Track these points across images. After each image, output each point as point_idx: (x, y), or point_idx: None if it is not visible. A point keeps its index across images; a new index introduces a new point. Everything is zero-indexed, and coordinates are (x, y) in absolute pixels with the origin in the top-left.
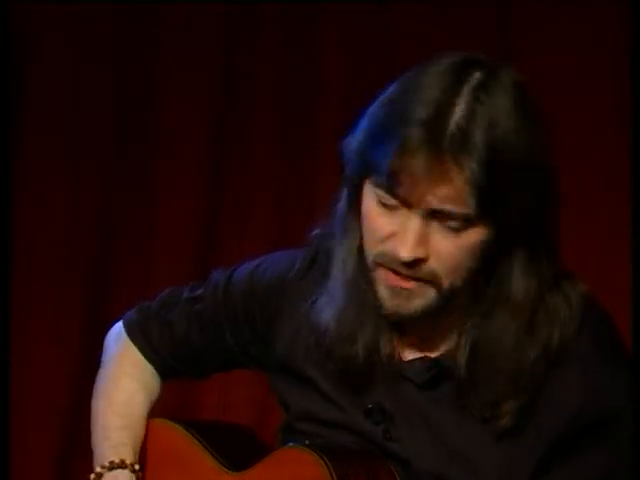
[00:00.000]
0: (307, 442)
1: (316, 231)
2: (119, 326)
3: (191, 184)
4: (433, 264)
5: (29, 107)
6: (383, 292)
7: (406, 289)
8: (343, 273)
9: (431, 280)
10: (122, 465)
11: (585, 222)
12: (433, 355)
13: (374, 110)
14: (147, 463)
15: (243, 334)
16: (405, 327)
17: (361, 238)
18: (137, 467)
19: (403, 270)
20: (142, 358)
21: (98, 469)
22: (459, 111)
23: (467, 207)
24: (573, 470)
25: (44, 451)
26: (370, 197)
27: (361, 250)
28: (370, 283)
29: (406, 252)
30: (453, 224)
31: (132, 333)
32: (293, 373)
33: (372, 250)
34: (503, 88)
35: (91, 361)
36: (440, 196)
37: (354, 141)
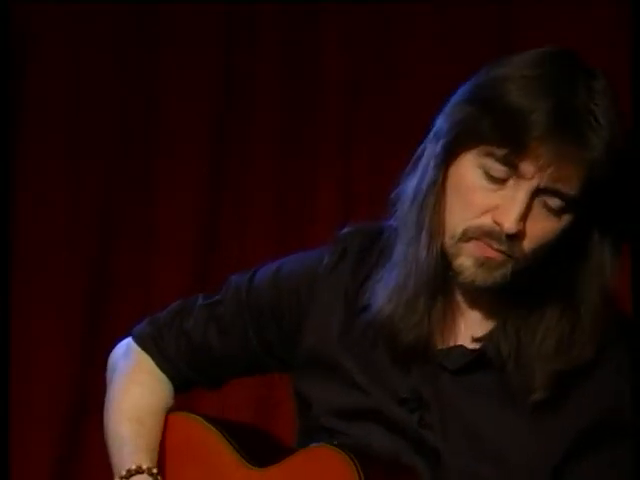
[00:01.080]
0: (336, 442)
1: (345, 229)
2: (127, 342)
3: (191, 184)
4: (525, 242)
5: (29, 107)
6: (466, 262)
7: (492, 259)
8: (415, 258)
9: (517, 256)
10: (140, 471)
11: None
12: (468, 343)
13: (483, 82)
14: (168, 457)
15: (269, 333)
16: (449, 314)
17: (437, 220)
18: (155, 471)
19: (496, 244)
20: (155, 368)
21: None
22: (582, 92)
23: (577, 190)
24: (597, 464)
25: (44, 451)
26: (472, 169)
27: (437, 232)
28: (448, 257)
29: (511, 224)
30: (557, 204)
31: (144, 345)
32: (322, 364)
33: (464, 223)
34: (601, 80)
35: (91, 361)
36: (557, 175)
37: (458, 111)
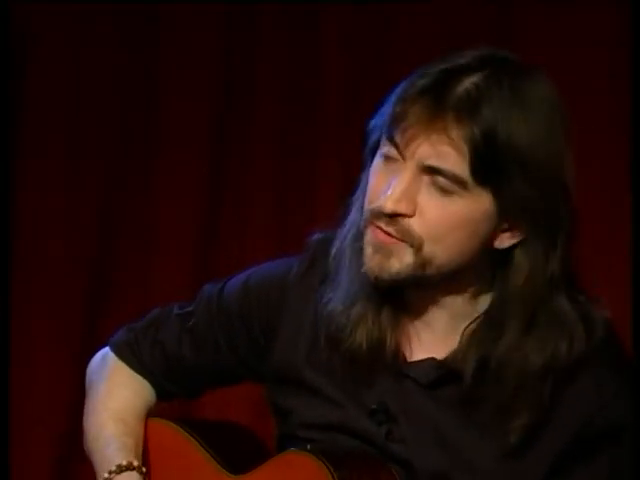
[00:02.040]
0: (309, 446)
1: (314, 236)
2: (103, 351)
3: (191, 184)
4: (415, 224)
5: (29, 107)
6: (367, 250)
7: (385, 245)
8: (356, 263)
9: (410, 241)
10: (130, 467)
11: (584, 222)
12: (438, 357)
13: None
14: (147, 464)
15: (240, 343)
16: (407, 326)
17: None
18: (144, 470)
19: (384, 225)
20: (134, 373)
21: (105, 475)
22: (476, 81)
23: (460, 168)
24: (578, 478)
25: (44, 451)
26: (377, 159)
27: None
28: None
29: (389, 203)
30: (444, 183)
31: (121, 352)
32: (292, 378)
33: (366, 207)
34: (531, 85)
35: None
36: (435, 152)
37: (376, 118)
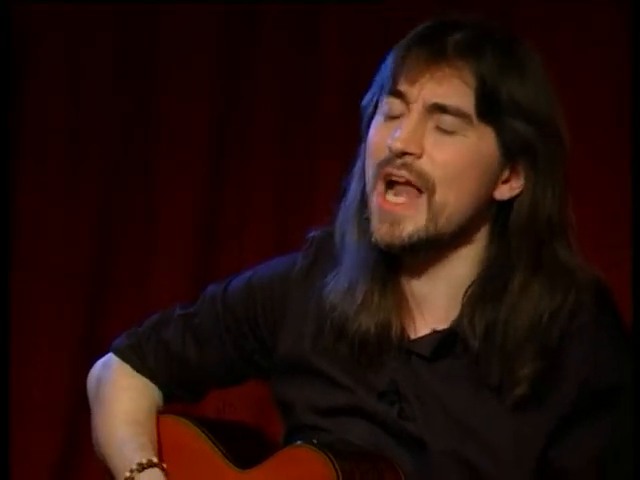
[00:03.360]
0: (315, 441)
1: (314, 232)
2: (105, 358)
3: (191, 183)
4: (425, 164)
5: (29, 107)
6: (375, 221)
7: (392, 212)
8: (357, 250)
9: (422, 186)
10: (152, 464)
11: (584, 222)
12: (441, 328)
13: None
14: (161, 459)
15: (246, 341)
16: (410, 304)
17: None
18: (165, 466)
19: (394, 168)
20: (139, 375)
21: (127, 474)
22: (472, 31)
23: (465, 103)
24: (579, 440)
25: (44, 452)
26: (376, 121)
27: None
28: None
29: (398, 142)
30: (449, 122)
31: (124, 356)
32: (300, 368)
33: (373, 164)
34: (520, 45)
35: (91, 362)
36: (441, 89)
37: (371, 90)
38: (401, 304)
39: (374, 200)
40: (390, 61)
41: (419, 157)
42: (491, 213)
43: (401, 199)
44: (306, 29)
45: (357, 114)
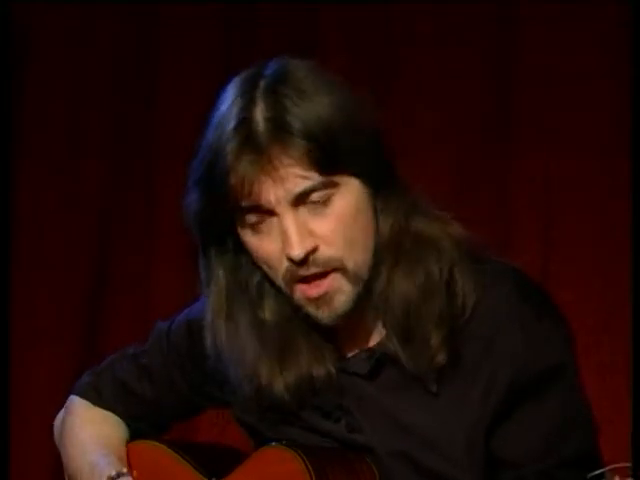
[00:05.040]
0: (284, 442)
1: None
2: (67, 403)
3: None
4: (325, 250)
5: (29, 107)
6: (310, 309)
7: (323, 294)
8: (258, 327)
9: (335, 268)
10: (122, 473)
11: (584, 222)
12: (369, 345)
13: (196, 164)
14: None
15: (194, 376)
16: (332, 331)
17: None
18: (135, 473)
19: (304, 271)
20: (100, 410)
21: None
22: (260, 108)
23: (312, 173)
24: (521, 426)
25: (44, 452)
26: (246, 236)
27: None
28: (299, 309)
29: (295, 249)
30: (317, 196)
31: (85, 394)
32: (250, 413)
33: (279, 275)
34: (292, 73)
35: (91, 361)
36: (291, 180)
37: (193, 202)
38: (327, 333)
39: (298, 294)
40: (220, 179)
41: (317, 247)
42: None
43: (318, 281)
44: (306, 29)
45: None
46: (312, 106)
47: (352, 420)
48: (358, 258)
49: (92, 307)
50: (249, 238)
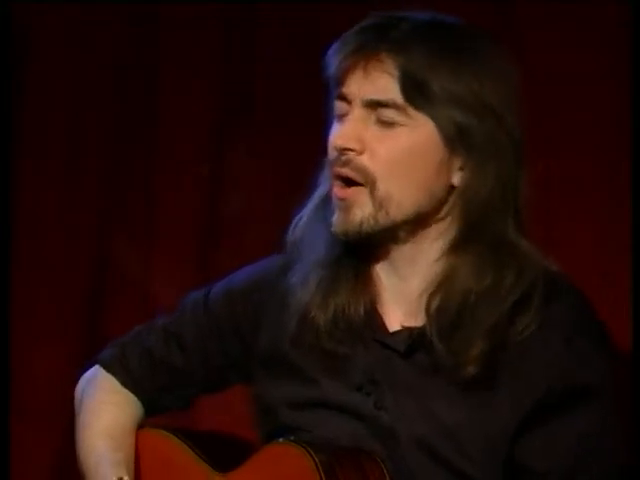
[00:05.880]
0: (292, 438)
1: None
2: (92, 369)
3: (191, 183)
4: (366, 160)
5: (29, 107)
6: (335, 212)
7: (344, 199)
8: (322, 244)
9: (364, 181)
10: None
11: (584, 222)
12: (414, 325)
13: None
14: (139, 472)
15: (229, 346)
16: (381, 288)
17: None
18: None
19: (339, 168)
20: (122, 387)
21: None
22: (411, 24)
23: (395, 95)
24: (546, 439)
25: (44, 451)
26: (334, 126)
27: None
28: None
29: (338, 139)
30: (386, 115)
31: (109, 367)
32: (278, 365)
33: (328, 166)
34: (465, 38)
35: (91, 361)
36: (374, 86)
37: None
38: (374, 297)
39: (333, 191)
40: (331, 61)
41: (360, 153)
42: (454, 200)
43: (349, 189)
44: (306, 29)
45: None
46: (436, 44)
47: (381, 397)
48: (393, 190)
49: (92, 307)
50: (332, 127)
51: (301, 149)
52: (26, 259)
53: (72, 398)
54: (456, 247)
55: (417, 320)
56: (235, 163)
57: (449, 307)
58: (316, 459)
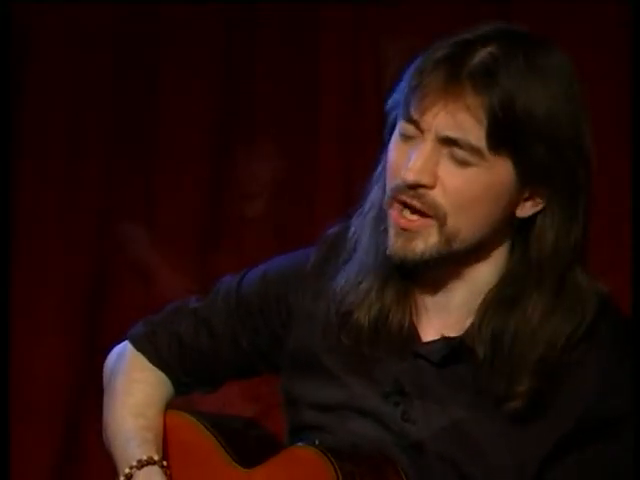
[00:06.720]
0: (317, 442)
1: (332, 228)
2: (122, 345)
3: (191, 183)
4: (437, 195)
5: (29, 107)
6: (391, 234)
7: (408, 229)
8: (372, 255)
9: (434, 215)
10: (151, 462)
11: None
12: (452, 335)
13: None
14: (165, 456)
15: (259, 335)
16: (422, 306)
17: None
18: (165, 464)
19: (407, 198)
20: (152, 366)
21: (127, 470)
22: (491, 50)
23: (476, 138)
24: (576, 466)
25: (44, 451)
26: (394, 137)
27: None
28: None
29: (411, 174)
30: (461, 155)
31: (140, 345)
32: (308, 364)
33: (388, 186)
34: (545, 54)
35: (91, 360)
36: (452, 121)
37: (393, 96)
38: (410, 302)
39: (391, 215)
40: (408, 78)
41: (432, 188)
42: (513, 228)
43: (415, 217)
44: (305, 29)
45: (357, 114)
46: (527, 84)
47: (409, 408)
48: (462, 225)
49: (92, 307)
50: (393, 143)
51: (301, 149)
52: (26, 259)
53: (72, 398)
54: (514, 276)
55: (456, 330)
56: (235, 163)
57: (504, 332)
58: (339, 471)
